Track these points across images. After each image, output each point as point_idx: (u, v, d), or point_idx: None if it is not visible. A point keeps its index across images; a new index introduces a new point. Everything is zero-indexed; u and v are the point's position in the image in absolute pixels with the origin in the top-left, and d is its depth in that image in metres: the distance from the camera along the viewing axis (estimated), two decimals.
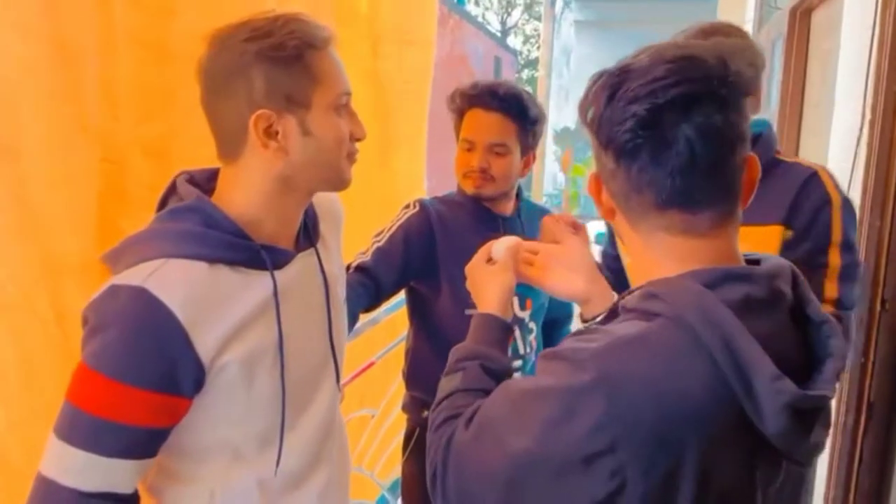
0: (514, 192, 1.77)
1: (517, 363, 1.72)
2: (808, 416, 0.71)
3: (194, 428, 0.97)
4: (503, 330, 1.02)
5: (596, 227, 5.07)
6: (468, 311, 1.10)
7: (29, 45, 1.11)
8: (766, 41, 3.80)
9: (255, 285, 0.97)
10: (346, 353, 1.25)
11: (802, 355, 0.79)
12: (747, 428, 0.71)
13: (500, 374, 0.89)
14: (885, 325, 1.85)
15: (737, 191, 0.79)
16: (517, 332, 1.73)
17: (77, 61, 1.20)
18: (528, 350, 1.74)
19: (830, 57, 2.49)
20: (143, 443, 0.91)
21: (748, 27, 4.45)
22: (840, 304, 1.36)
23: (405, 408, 1.84)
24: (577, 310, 1.18)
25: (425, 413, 1.71)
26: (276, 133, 0.95)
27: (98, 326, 0.88)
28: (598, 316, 0.99)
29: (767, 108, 3.36)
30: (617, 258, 1.60)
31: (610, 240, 1.74)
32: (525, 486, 0.74)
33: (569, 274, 1.07)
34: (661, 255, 0.80)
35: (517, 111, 1.65)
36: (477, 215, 1.71)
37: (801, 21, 3.11)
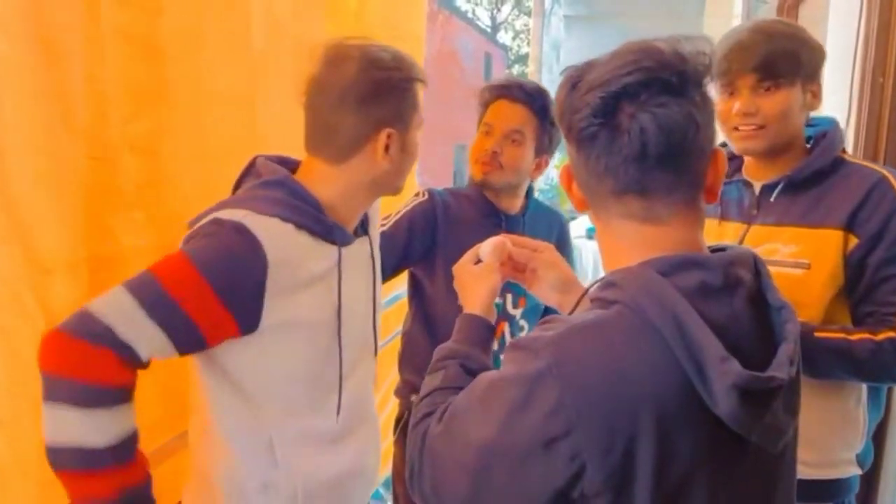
0: (523, 191, 1.79)
1: None
2: (761, 398, 0.72)
3: (260, 376, 1.11)
4: (486, 330, 1.04)
5: (588, 221, 5.09)
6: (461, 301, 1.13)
7: (12, 44, 1.10)
8: None
9: (324, 255, 1.14)
10: None
11: (764, 340, 0.80)
12: (705, 409, 0.72)
13: (479, 373, 0.90)
14: None
15: (696, 181, 0.80)
16: (506, 329, 1.74)
17: (62, 59, 1.19)
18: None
19: None
20: (182, 331, 1.01)
21: (735, 21, 4.47)
22: None
23: (397, 392, 1.86)
24: None
25: (414, 397, 1.74)
26: (389, 147, 1.15)
27: (202, 235, 1.05)
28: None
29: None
30: None
31: None
32: (491, 475, 0.77)
33: (545, 287, 1.14)
34: (623, 244, 0.82)
35: (540, 107, 1.69)
36: (481, 209, 1.73)
37: (788, 15, 3.12)
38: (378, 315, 1.35)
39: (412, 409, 0.95)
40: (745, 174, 1.43)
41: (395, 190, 1.25)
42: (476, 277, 1.09)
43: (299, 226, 1.10)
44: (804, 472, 1.32)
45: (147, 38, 1.38)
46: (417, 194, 1.76)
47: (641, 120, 0.75)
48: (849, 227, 1.28)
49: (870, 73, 1.82)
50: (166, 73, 1.42)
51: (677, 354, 0.72)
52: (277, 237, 1.06)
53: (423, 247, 1.69)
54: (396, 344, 1.90)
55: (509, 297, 1.74)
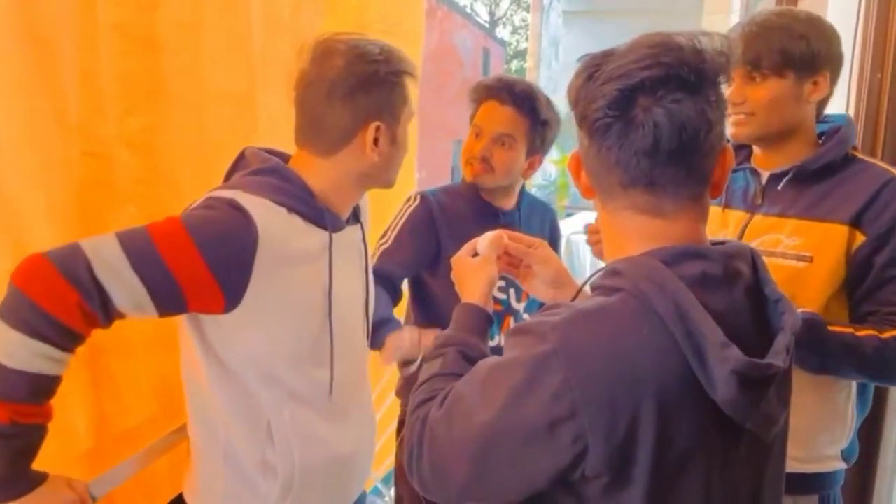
0: (517, 189, 1.80)
1: None
2: (759, 385, 0.74)
3: (251, 356, 1.12)
4: (484, 320, 1.05)
5: (586, 217, 5.08)
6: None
7: (6, 39, 1.10)
8: None
9: (315, 237, 1.16)
10: None
11: (761, 331, 0.83)
12: (703, 396, 0.74)
13: (478, 360, 0.91)
14: None
15: (704, 177, 0.81)
16: (512, 323, 1.75)
17: (56, 54, 1.19)
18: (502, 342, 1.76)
19: None
20: (164, 288, 1.01)
21: (733, 17, 4.46)
22: None
23: (399, 392, 1.87)
24: None
25: None
26: (377, 140, 1.16)
27: (199, 207, 1.08)
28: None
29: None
30: None
31: None
32: (493, 457, 0.78)
33: (539, 283, 1.16)
34: (628, 234, 0.83)
35: (529, 109, 1.69)
36: (478, 206, 1.74)
37: None
38: (371, 301, 1.37)
39: (410, 395, 0.96)
40: (754, 163, 1.43)
41: (387, 183, 1.26)
42: (474, 269, 1.11)
43: (290, 209, 1.12)
44: (790, 465, 1.34)
45: (143, 32, 1.38)
46: (409, 199, 1.75)
47: (656, 115, 0.76)
48: (855, 223, 1.27)
49: (868, 69, 1.82)
50: (162, 68, 1.42)
51: (679, 340, 0.74)
52: (268, 215, 1.09)
53: (430, 251, 1.69)
54: None
55: (512, 291, 1.75)
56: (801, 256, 1.30)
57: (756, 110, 1.33)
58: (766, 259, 1.29)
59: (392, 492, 1.83)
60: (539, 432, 0.74)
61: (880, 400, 1.74)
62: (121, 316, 1.02)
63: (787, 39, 1.30)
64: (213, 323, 1.11)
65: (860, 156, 1.37)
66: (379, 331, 1.51)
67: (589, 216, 4.79)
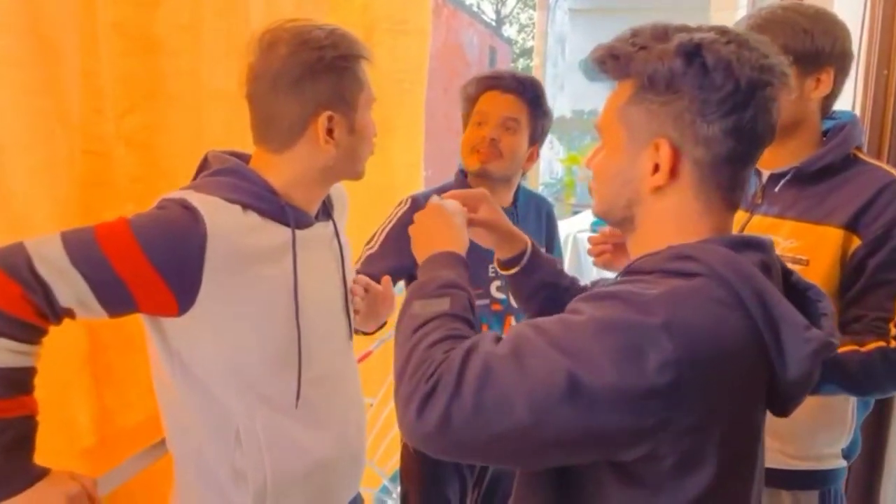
0: (516, 182, 1.78)
1: None
2: (820, 364, 0.80)
3: (214, 359, 1.09)
4: (468, 270, 1.00)
5: (592, 215, 5.06)
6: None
7: (8, 39, 1.11)
8: None
9: (275, 234, 1.12)
10: None
11: None
12: (762, 377, 0.80)
13: (472, 311, 0.90)
14: None
15: None
16: (514, 322, 1.74)
17: (57, 54, 1.19)
18: None
19: None
20: (107, 286, 1.00)
21: (740, 12, 4.44)
22: None
23: None
24: None
25: None
26: (332, 131, 1.11)
27: (148, 210, 1.06)
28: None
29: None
30: None
31: None
32: (566, 407, 0.73)
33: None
34: (691, 217, 0.85)
35: (532, 96, 1.69)
36: None
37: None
38: (350, 299, 1.31)
39: (399, 322, 0.89)
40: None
41: (355, 174, 1.21)
42: (452, 220, 1.06)
43: (246, 206, 1.08)
44: (790, 462, 1.34)
45: (143, 32, 1.39)
46: (400, 203, 1.73)
47: (773, 109, 0.84)
48: (852, 226, 1.25)
49: (874, 65, 1.82)
50: (162, 67, 1.43)
51: (758, 323, 0.77)
52: (219, 213, 1.05)
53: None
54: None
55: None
56: (798, 259, 1.28)
57: None
58: None
59: (399, 489, 1.83)
60: (633, 396, 0.72)
61: (881, 401, 1.74)
62: (70, 313, 1.01)
63: (789, 34, 1.27)
64: (175, 327, 1.08)
65: (862, 156, 1.34)
66: None
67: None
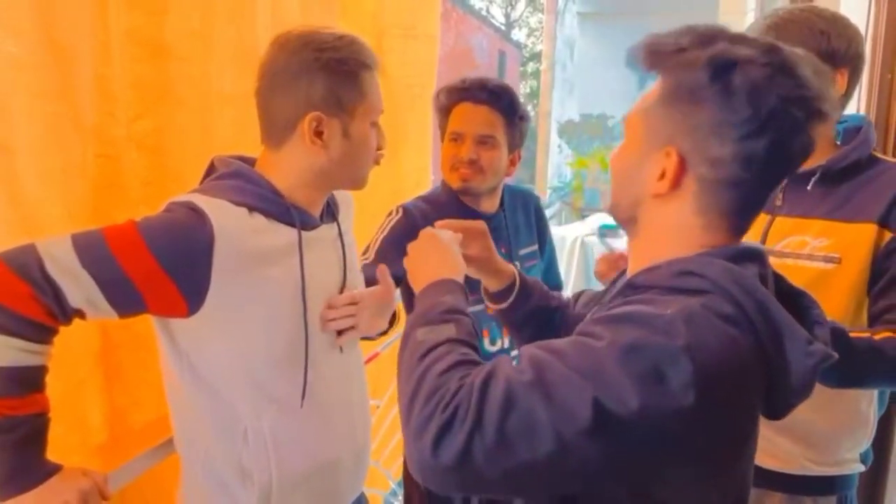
0: (500, 190, 1.77)
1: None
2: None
3: (222, 360, 1.11)
4: (467, 298, 0.98)
5: (600, 219, 5.06)
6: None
7: (22, 45, 1.14)
8: None
9: (282, 235, 1.13)
10: None
11: None
12: (762, 387, 0.80)
13: (473, 335, 0.89)
14: None
15: None
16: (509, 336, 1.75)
17: (70, 60, 1.22)
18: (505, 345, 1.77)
19: None
20: (117, 287, 1.01)
21: (749, 17, 4.44)
22: None
23: None
24: None
25: None
26: (322, 133, 1.11)
27: (156, 213, 1.07)
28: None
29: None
30: None
31: None
32: (598, 434, 0.71)
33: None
34: (693, 231, 0.84)
35: (505, 105, 1.66)
36: (461, 214, 1.65)
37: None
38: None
39: (403, 352, 0.87)
40: None
41: (354, 183, 1.21)
42: (449, 247, 1.05)
43: (252, 208, 1.10)
44: (812, 468, 1.35)
45: (154, 38, 1.41)
46: (391, 213, 1.71)
47: (795, 142, 0.81)
48: (884, 221, 1.25)
49: (878, 68, 1.82)
50: (172, 72, 1.45)
51: (762, 337, 0.77)
52: (226, 214, 1.07)
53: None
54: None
55: None
56: (830, 258, 1.28)
57: None
58: (792, 261, 1.31)
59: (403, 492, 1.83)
60: (658, 418, 0.71)
61: (890, 401, 1.74)
62: (80, 314, 1.02)
63: (806, 34, 1.28)
64: (183, 328, 1.10)
65: (881, 156, 1.35)
66: None
67: (604, 217, 4.77)
